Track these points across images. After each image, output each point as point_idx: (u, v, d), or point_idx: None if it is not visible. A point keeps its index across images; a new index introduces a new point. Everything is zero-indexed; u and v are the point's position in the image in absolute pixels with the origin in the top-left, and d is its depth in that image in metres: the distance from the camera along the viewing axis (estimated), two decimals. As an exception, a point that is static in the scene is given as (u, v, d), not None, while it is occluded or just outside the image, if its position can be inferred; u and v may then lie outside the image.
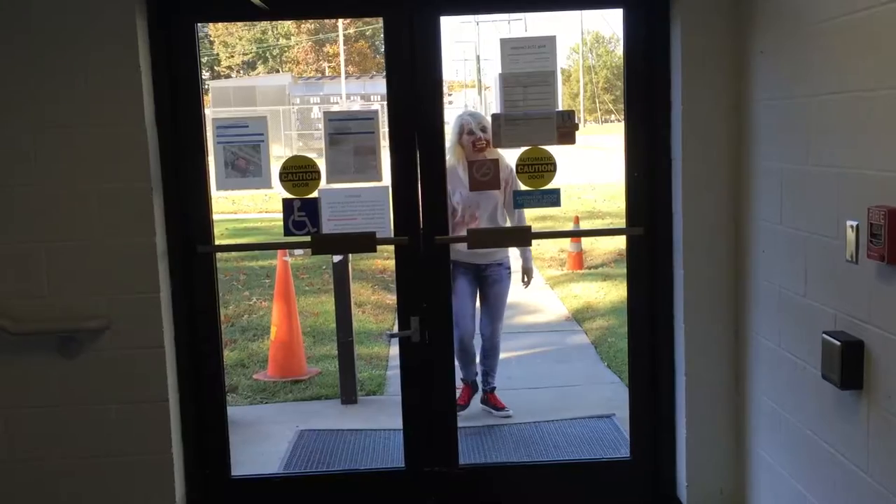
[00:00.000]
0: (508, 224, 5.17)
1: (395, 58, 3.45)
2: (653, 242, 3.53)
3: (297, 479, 4.09)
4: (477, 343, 5.45)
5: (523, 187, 3.62)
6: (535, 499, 3.73)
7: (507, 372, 6.32)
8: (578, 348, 7.16)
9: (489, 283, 5.26)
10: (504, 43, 3.51)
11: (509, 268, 5.29)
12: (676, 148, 3.39)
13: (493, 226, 5.08)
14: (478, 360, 5.43)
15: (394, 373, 6.04)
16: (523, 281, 5.46)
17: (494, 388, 5.43)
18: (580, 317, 8.12)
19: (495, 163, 3.84)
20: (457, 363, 4.85)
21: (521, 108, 3.43)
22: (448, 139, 4.48)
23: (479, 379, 5.43)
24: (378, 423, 5.22)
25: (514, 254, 5.45)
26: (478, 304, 5.42)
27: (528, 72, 3.47)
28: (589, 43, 59.56)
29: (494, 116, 3.54)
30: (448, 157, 4.07)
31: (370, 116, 3.51)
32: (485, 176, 3.73)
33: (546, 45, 3.47)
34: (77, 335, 3.28)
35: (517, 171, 3.54)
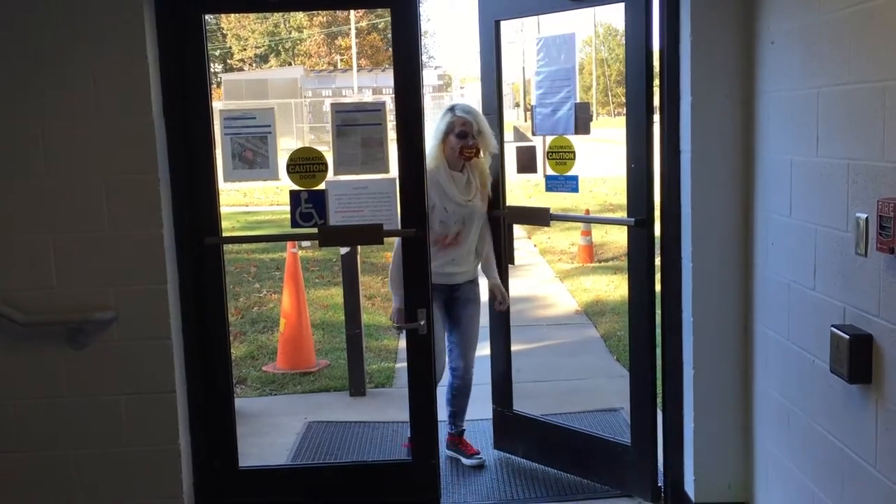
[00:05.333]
0: (478, 248, 4.21)
1: (402, 49, 3.44)
2: (652, 233, 3.57)
3: (305, 470, 4.10)
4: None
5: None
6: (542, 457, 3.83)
7: (515, 365, 6.30)
8: (588, 342, 7.14)
9: (460, 304, 4.19)
10: (539, 41, 3.85)
11: (479, 285, 4.32)
12: (685, 139, 3.37)
13: (475, 245, 4.15)
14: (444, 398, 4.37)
15: (402, 365, 6.04)
16: (498, 302, 4.25)
17: (464, 430, 4.43)
18: (590, 310, 8.09)
19: (533, 149, 3.93)
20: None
21: (548, 102, 3.57)
22: (430, 136, 3.85)
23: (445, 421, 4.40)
24: (386, 416, 5.22)
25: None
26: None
27: (554, 68, 3.80)
28: (601, 36, 59.32)
29: (532, 109, 3.94)
30: (428, 159, 3.61)
31: (377, 108, 3.51)
32: (528, 161, 4.10)
33: (567, 42, 3.75)
34: (85, 326, 3.29)
35: (548, 158, 3.75)
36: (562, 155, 3.88)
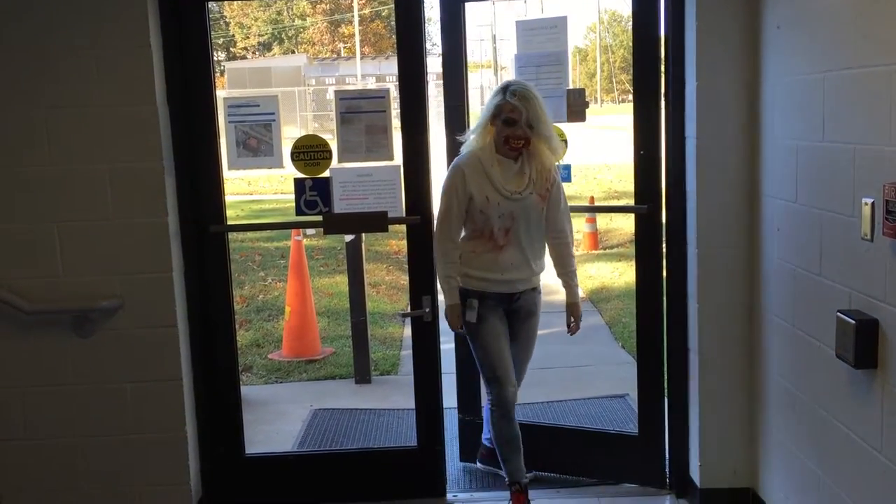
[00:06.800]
0: (542, 250, 3.54)
1: (405, 36, 3.43)
2: (661, 220, 3.55)
3: (311, 457, 4.12)
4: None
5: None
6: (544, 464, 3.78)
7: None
8: (593, 329, 7.13)
9: (522, 317, 3.55)
10: (520, 25, 3.60)
11: (540, 293, 3.62)
12: (691, 125, 3.35)
13: (531, 246, 3.46)
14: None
15: (407, 353, 6.05)
16: (569, 325, 3.64)
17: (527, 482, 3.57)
18: (595, 297, 8.09)
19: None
20: (498, 452, 3.53)
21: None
22: (477, 117, 3.43)
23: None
24: (391, 403, 5.23)
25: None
26: None
27: (540, 52, 3.58)
28: (606, 22, 59.06)
29: None
30: (472, 138, 3.36)
31: (381, 95, 3.51)
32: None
33: (558, 26, 3.55)
34: (91, 314, 3.30)
35: None
36: None
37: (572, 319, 3.60)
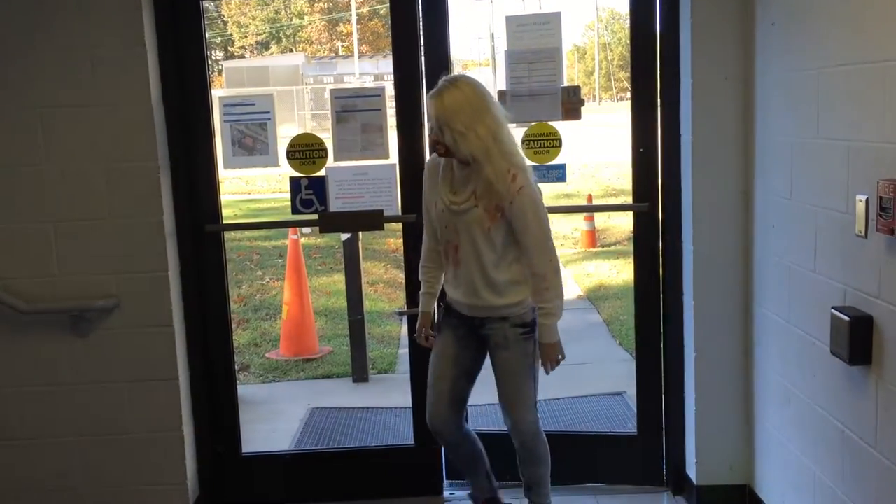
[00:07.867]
0: (500, 276, 2.96)
1: (401, 34, 3.43)
2: (659, 218, 3.53)
3: (308, 455, 4.12)
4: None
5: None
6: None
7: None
8: (591, 327, 7.15)
9: (491, 346, 3.07)
10: (510, 20, 3.53)
11: (526, 325, 3.02)
12: (686, 122, 3.36)
13: (480, 270, 2.95)
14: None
15: (405, 351, 6.05)
16: (544, 364, 3.10)
17: None
18: (593, 295, 8.10)
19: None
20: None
21: (527, 85, 3.42)
22: None
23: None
24: (389, 401, 5.23)
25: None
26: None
27: (532, 49, 3.50)
28: (604, 20, 59.04)
29: (500, 93, 3.51)
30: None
31: (377, 93, 3.51)
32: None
33: (551, 22, 3.49)
34: (87, 314, 3.30)
35: (525, 147, 3.46)
36: (542, 143, 3.52)
37: (545, 359, 3.06)
